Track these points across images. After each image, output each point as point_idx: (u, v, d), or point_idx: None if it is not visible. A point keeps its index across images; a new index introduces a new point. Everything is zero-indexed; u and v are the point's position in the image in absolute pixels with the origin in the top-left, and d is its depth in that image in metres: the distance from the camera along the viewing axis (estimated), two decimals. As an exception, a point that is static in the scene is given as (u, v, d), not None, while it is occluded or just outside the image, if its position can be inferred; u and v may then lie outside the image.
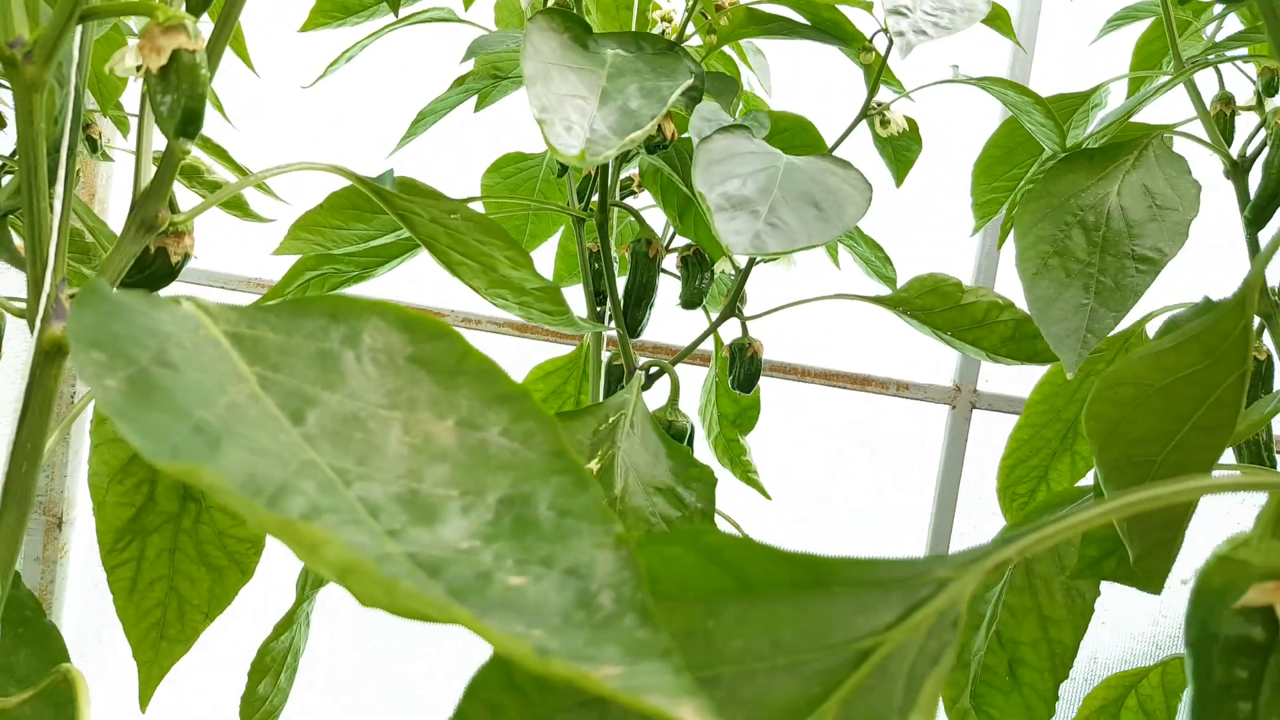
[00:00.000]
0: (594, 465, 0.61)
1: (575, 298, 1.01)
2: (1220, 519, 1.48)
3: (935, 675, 0.21)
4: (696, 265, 0.91)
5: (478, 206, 1.03)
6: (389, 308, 0.34)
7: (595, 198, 0.86)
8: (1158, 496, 0.24)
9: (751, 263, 0.81)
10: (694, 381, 1.18)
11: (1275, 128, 0.79)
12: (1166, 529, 0.46)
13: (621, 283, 0.89)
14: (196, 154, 1.01)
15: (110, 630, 0.69)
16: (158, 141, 0.48)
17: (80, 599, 1.64)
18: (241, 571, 0.73)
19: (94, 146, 0.91)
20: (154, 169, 0.45)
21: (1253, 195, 0.79)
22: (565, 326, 0.69)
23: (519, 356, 1.49)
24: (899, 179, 0.87)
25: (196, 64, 0.36)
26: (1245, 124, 0.87)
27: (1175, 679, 0.94)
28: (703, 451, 1.17)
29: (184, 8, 0.48)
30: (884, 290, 0.94)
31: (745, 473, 1.13)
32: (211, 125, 1.01)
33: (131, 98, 0.98)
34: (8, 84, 0.46)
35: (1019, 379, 1.41)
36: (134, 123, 0.96)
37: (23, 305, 0.46)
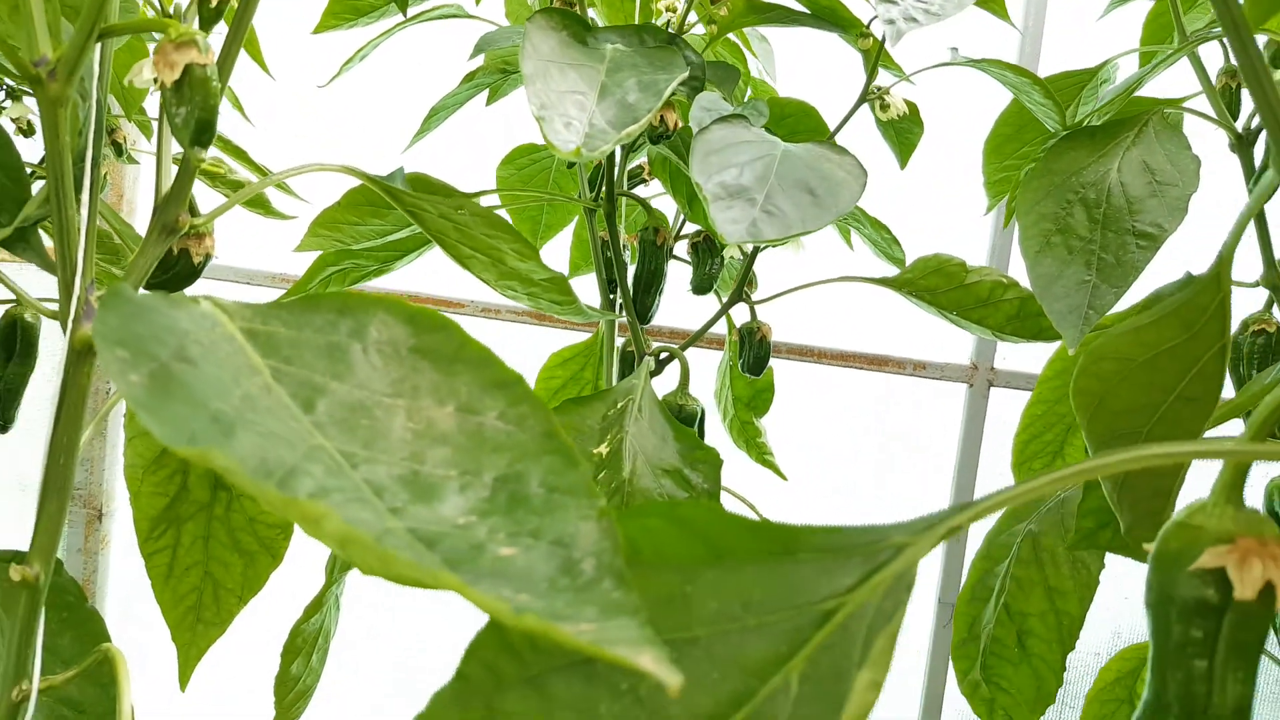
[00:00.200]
0: (603, 449, 0.63)
1: (590, 285, 1.03)
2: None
3: (887, 632, 0.23)
4: (706, 251, 0.92)
5: (493, 199, 1.05)
6: (393, 302, 0.37)
7: (605, 188, 0.88)
8: (1104, 466, 0.26)
9: (757, 248, 0.83)
10: (709, 365, 1.20)
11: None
12: (1155, 499, 0.47)
13: (633, 270, 0.90)
14: (216, 155, 1.04)
15: (151, 617, 0.72)
16: (177, 148, 0.50)
17: (122, 589, 1.69)
18: (272, 556, 0.76)
19: (119, 150, 0.94)
20: (174, 175, 0.47)
21: (1258, 168, 0.80)
22: (573, 315, 0.71)
23: (538, 344, 1.51)
24: (903, 161, 0.88)
25: (208, 77, 0.38)
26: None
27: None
28: (718, 434, 1.18)
29: (196, 21, 0.50)
30: (892, 270, 0.95)
31: (761, 454, 1.15)
32: (230, 125, 1.04)
33: (154, 102, 1.01)
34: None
35: (1037, 356, 1.41)
36: (156, 127, 0.99)
37: (54, 307, 0.49)
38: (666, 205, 1.10)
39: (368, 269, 1.04)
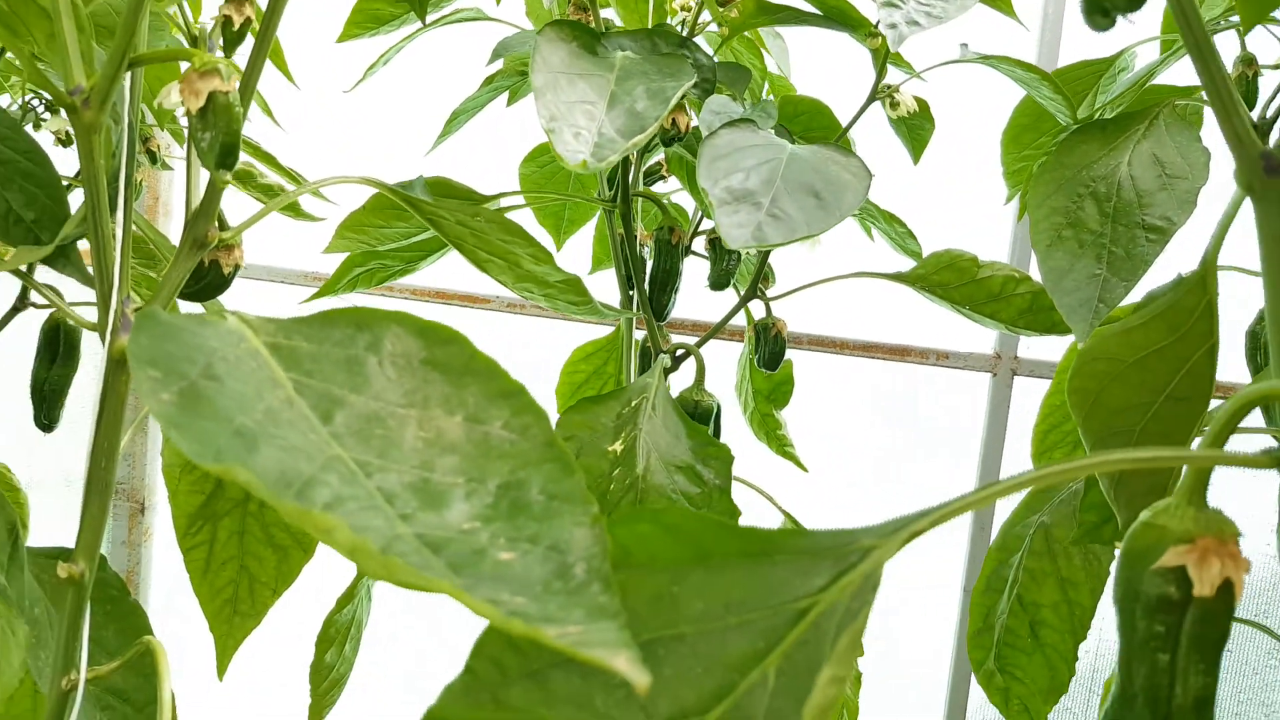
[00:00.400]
0: (618, 446, 0.65)
1: (612, 279, 1.05)
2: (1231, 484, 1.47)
3: (851, 630, 0.24)
4: (723, 247, 0.94)
5: (512, 199, 1.07)
6: (406, 317, 0.39)
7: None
8: (1063, 471, 0.27)
9: (771, 245, 0.84)
10: (730, 356, 1.21)
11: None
12: (1150, 496, 0.48)
13: (650, 268, 0.92)
14: (247, 160, 1.07)
15: (191, 608, 0.76)
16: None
17: (164, 580, 1.74)
18: (304, 550, 0.79)
19: (154, 159, 0.98)
20: (203, 192, 0.49)
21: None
22: (589, 315, 0.73)
23: (564, 338, 1.53)
24: (915, 156, 0.89)
25: (230, 104, 0.41)
26: (1271, 83, 0.86)
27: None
28: (739, 426, 1.20)
29: (220, 44, 0.53)
30: (909, 263, 0.96)
31: (781, 446, 1.16)
32: (259, 129, 1.07)
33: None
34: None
35: (1061, 344, 1.41)
36: (187, 135, 1.01)
37: (93, 316, 0.51)
38: (687, 200, 1.12)
39: (393, 269, 1.07)
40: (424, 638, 1.64)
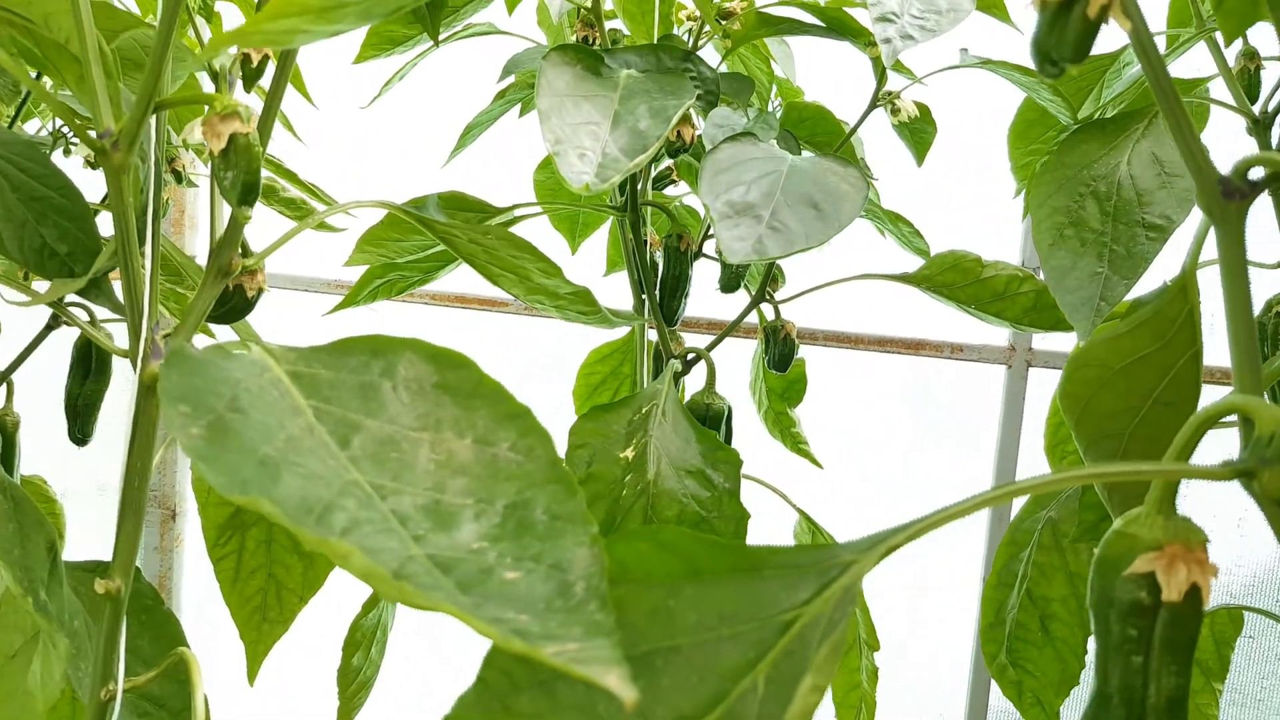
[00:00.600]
0: (629, 453, 0.67)
1: (626, 282, 1.07)
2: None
3: (831, 640, 0.26)
4: (732, 252, 0.95)
5: (527, 209, 1.09)
6: (419, 344, 0.41)
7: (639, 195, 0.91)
8: (1035, 485, 0.29)
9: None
10: (744, 354, 1.23)
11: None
12: (1142, 496, 0.50)
13: (661, 274, 0.94)
14: (269, 175, 1.09)
15: (222, 613, 0.78)
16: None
17: (195, 583, 1.78)
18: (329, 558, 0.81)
19: (179, 178, 1.00)
20: (226, 224, 0.52)
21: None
22: (599, 324, 0.75)
23: (580, 339, 1.55)
24: (919, 159, 0.90)
25: (251, 144, 0.43)
26: (1273, 77, 0.87)
27: (1225, 630, 0.96)
28: (754, 424, 1.22)
29: (240, 80, 0.55)
30: (917, 260, 0.97)
31: (796, 444, 1.18)
32: (280, 145, 1.09)
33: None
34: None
35: (1075, 336, 1.41)
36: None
37: (119, 332, 0.54)
38: (698, 203, 1.14)
39: (412, 279, 1.10)
40: (453, 637, 1.68)
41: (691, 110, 0.83)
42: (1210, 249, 0.48)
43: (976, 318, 0.83)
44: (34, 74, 0.78)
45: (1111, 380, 0.45)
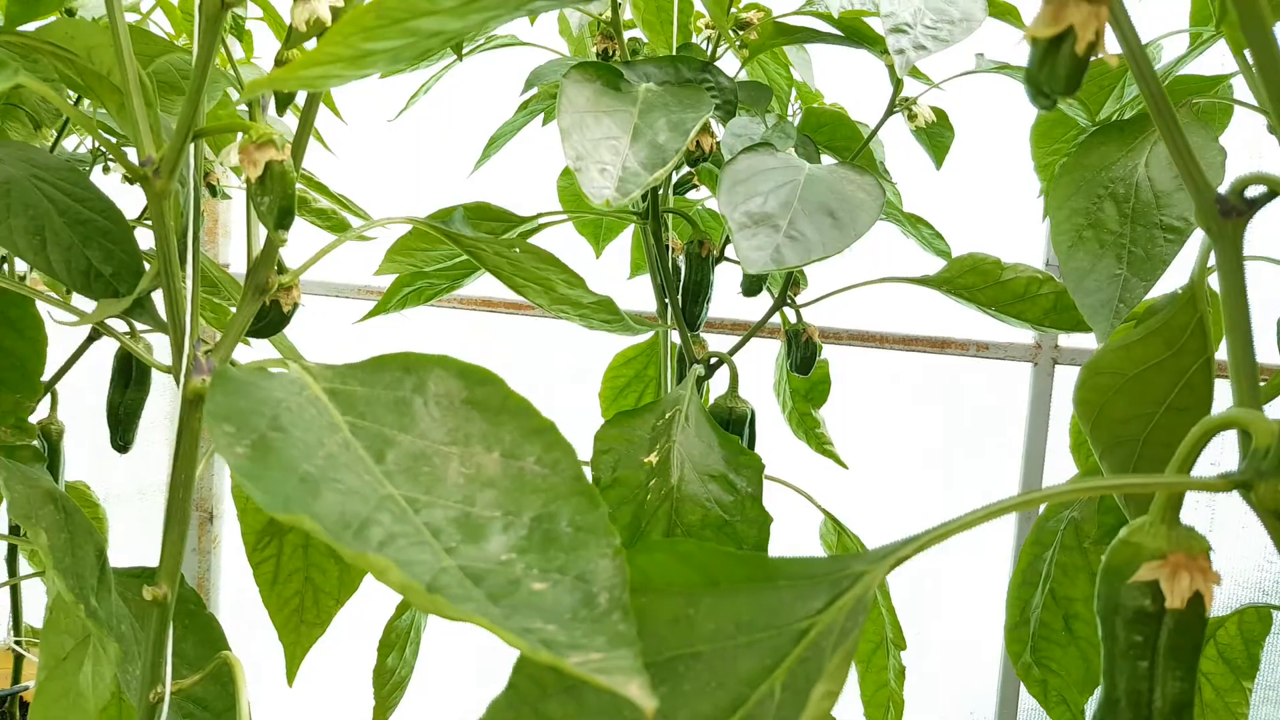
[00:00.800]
0: (653, 458, 0.68)
1: (649, 283, 1.08)
2: None
3: (844, 649, 0.27)
4: (754, 256, 0.96)
5: (550, 217, 1.11)
6: (448, 360, 0.43)
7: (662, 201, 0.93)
8: (1044, 496, 0.30)
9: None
10: (768, 355, 1.24)
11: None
12: (1159, 498, 0.50)
13: (683, 279, 0.95)
14: (299, 187, 1.12)
15: (259, 614, 0.81)
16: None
17: (233, 584, 1.82)
18: (364, 562, 0.84)
19: (214, 191, 1.03)
20: (262, 245, 0.54)
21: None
22: (622, 331, 0.77)
23: (605, 340, 1.57)
24: (938, 162, 0.91)
25: (286, 170, 0.45)
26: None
27: (1253, 628, 0.96)
28: (778, 424, 1.23)
29: (272, 104, 0.57)
30: (938, 262, 0.97)
31: (820, 444, 1.19)
32: (311, 159, 1.12)
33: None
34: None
35: (1101, 331, 1.40)
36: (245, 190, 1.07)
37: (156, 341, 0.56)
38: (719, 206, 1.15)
39: (440, 286, 1.12)
40: (483, 638, 1.70)
41: (711, 119, 0.84)
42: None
43: (999, 319, 0.84)
44: (73, 96, 0.81)
45: (1125, 387, 0.46)
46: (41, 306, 0.65)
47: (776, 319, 1.03)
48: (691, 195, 1.15)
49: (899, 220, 0.93)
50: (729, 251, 1.03)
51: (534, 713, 0.33)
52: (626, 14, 0.90)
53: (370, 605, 0.98)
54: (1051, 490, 0.30)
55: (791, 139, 0.73)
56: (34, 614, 1.23)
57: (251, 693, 0.60)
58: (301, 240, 0.66)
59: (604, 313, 0.73)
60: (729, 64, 0.93)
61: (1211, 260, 0.46)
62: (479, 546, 0.33)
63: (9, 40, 0.51)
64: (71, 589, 0.53)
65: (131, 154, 0.48)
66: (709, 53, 0.90)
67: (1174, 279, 0.77)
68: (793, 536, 1.02)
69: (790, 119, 1.09)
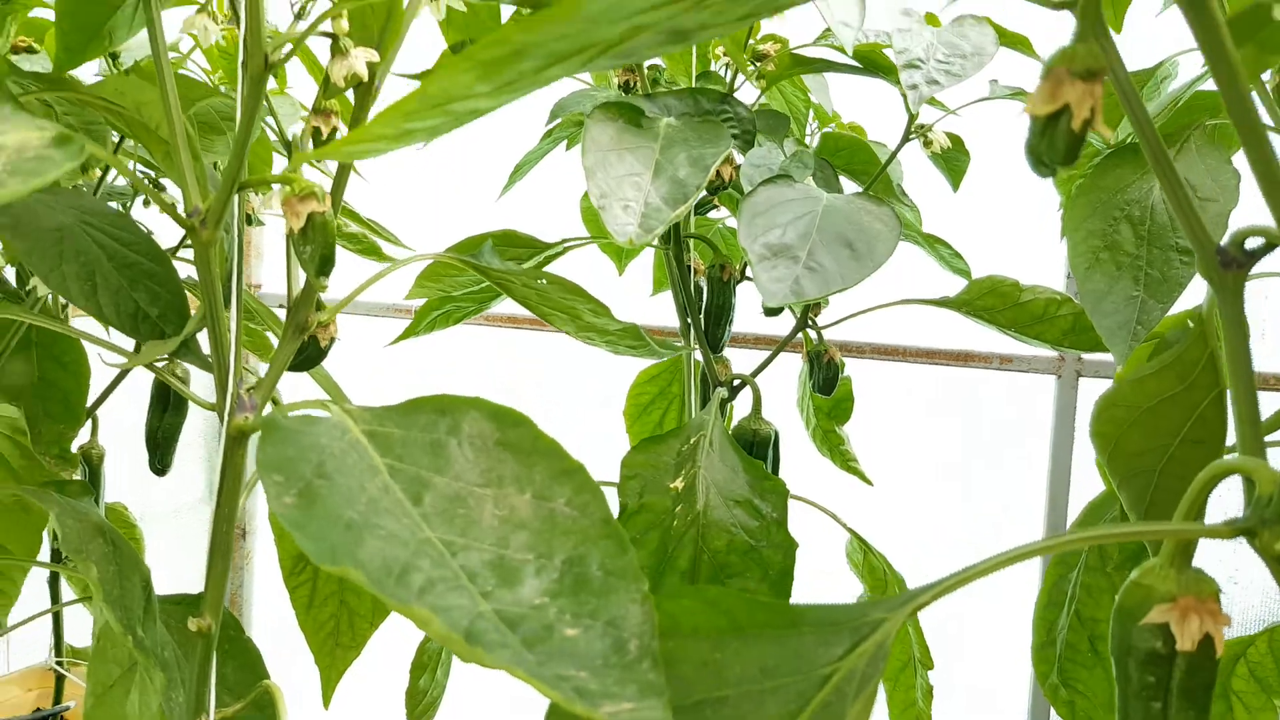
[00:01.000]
0: (679, 483, 0.70)
1: (671, 302, 1.10)
2: None
3: (865, 695, 0.29)
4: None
5: (575, 242, 1.13)
6: (481, 402, 0.44)
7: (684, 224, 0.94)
8: (1049, 546, 0.31)
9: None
10: (791, 372, 1.25)
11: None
12: (1176, 527, 0.51)
13: (705, 302, 0.96)
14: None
15: (291, 625, 0.82)
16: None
17: (266, 600, 1.85)
18: (396, 584, 0.86)
19: (248, 219, 1.06)
20: (301, 287, 0.56)
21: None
22: (647, 356, 0.78)
23: (629, 358, 1.59)
24: (955, 185, 0.92)
25: (327, 221, 0.47)
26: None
27: (1283, 644, 0.96)
28: (803, 442, 1.24)
29: (310, 143, 0.59)
30: (958, 281, 0.98)
31: (845, 461, 1.20)
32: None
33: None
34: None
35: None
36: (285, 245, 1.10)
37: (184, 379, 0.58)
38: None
39: (468, 309, 1.14)
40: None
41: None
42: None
43: (1018, 340, 0.85)
44: (115, 137, 0.84)
45: (1140, 420, 0.47)
46: (90, 346, 0.67)
47: (799, 335, 1.04)
48: (712, 215, 1.16)
49: (918, 241, 0.94)
50: (750, 271, 1.05)
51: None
52: (647, 43, 0.92)
53: (403, 627, 1.00)
54: (1064, 538, 0.31)
55: (809, 168, 0.75)
56: (74, 635, 1.26)
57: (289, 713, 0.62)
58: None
59: (629, 339, 0.75)
60: (748, 88, 0.94)
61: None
62: (513, 590, 0.35)
63: (65, 95, 0.53)
64: (120, 620, 0.56)
65: (171, 187, 0.51)
66: (728, 80, 0.92)
67: (1193, 297, 0.77)
68: (819, 556, 1.03)
69: (809, 139, 1.10)
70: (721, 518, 0.69)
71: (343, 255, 1.10)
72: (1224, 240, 0.33)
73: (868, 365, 1.55)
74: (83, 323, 0.74)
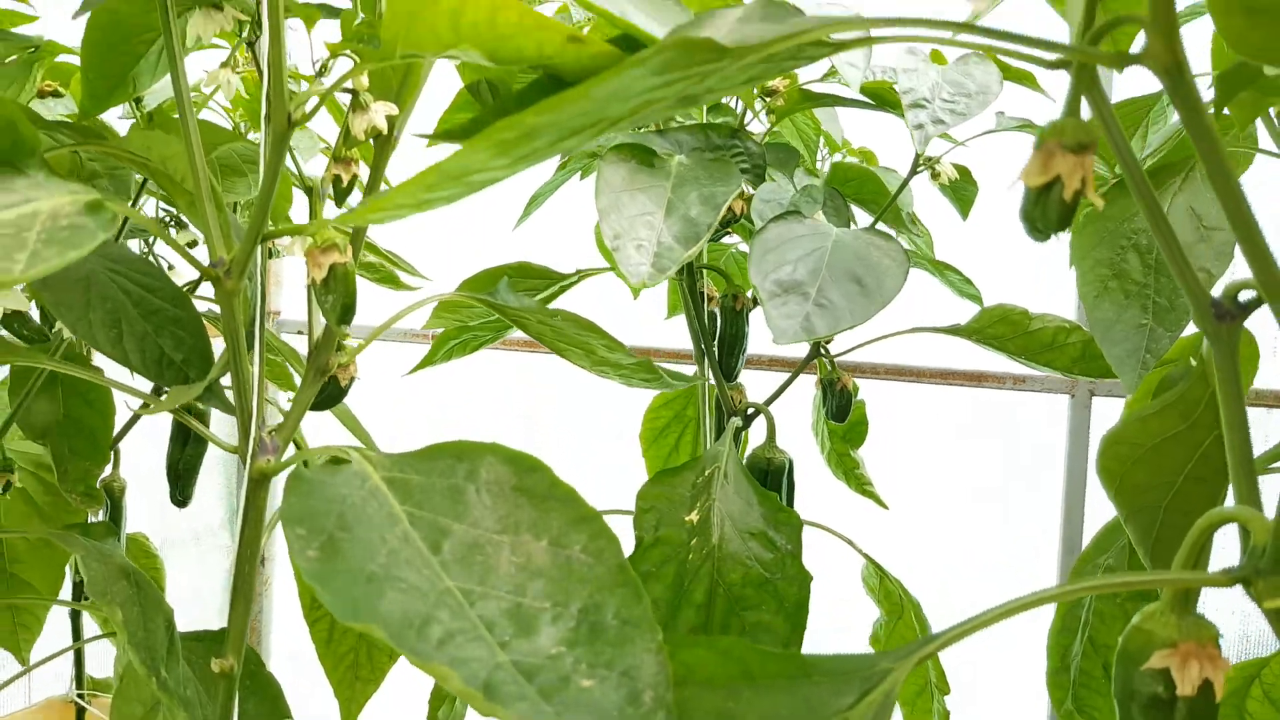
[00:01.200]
0: (694, 516, 0.71)
1: (684, 325, 1.11)
2: None
3: (870, 745, 0.30)
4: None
5: (589, 270, 1.14)
6: (498, 448, 0.45)
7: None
8: (1054, 595, 0.32)
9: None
10: (806, 396, 1.26)
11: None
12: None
13: (718, 331, 0.98)
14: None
15: (311, 662, 0.84)
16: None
17: (284, 628, 1.87)
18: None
19: (270, 253, 1.08)
20: (322, 332, 0.57)
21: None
22: (661, 388, 0.79)
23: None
24: (963, 214, 0.93)
25: (349, 272, 0.48)
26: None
27: (1301, 666, 0.95)
28: (818, 466, 1.24)
29: (330, 193, 0.61)
30: (970, 307, 0.99)
31: (860, 485, 1.20)
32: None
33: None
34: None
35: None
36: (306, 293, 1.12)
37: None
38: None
39: (484, 338, 1.16)
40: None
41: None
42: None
43: (1028, 367, 0.85)
44: (138, 177, 0.86)
45: (1144, 458, 0.48)
46: (117, 392, 0.69)
47: (812, 361, 1.05)
48: (724, 240, 1.17)
49: (929, 268, 0.95)
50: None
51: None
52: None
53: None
54: (1066, 589, 0.32)
55: (818, 203, 0.76)
56: (95, 666, 1.28)
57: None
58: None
59: (643, 372, 0.76)
60: (759, 118, 0.96)
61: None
62: (530, 640, 0.36)
63: (93, 149, 0.55)
64: (144, 662, 0.57)
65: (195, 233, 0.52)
66: (739, 112, 0.93)
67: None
68: (835, 581, 1.03)
69: (820, 164, 1.11)
70: (736, 550, 0.69)
71: (361, 283, 1.12)
72: (1218, 293, 0.34)
73: (882, 386, 1.55)
74: (104, 360, 0.76)
